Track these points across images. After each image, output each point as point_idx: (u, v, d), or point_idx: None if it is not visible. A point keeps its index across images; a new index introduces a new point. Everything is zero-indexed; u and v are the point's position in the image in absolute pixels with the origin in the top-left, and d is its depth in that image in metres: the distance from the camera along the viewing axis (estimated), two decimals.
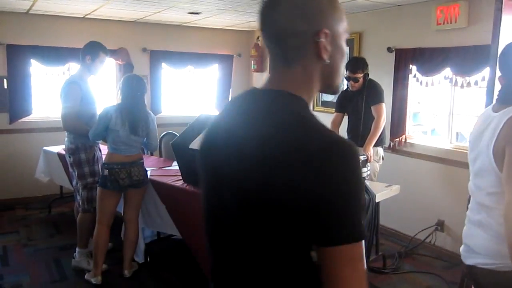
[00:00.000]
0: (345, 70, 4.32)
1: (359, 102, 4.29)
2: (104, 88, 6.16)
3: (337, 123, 4.54)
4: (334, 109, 4.71)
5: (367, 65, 4.27)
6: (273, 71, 1.10)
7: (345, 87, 4.49)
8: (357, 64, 4.25)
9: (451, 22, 4.22)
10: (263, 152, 0.94)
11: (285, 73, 1.06)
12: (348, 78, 4.29)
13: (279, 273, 0.99)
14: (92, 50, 3.88)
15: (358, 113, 4.31)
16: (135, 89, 3.62)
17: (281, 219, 0.93)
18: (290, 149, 0.91)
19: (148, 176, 3.84)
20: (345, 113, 4.56)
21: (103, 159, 3.89)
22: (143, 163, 3.76)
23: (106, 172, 3.62)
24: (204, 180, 1.17)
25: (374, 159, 4.19)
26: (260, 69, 7.21)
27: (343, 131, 4.61)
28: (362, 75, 4.20)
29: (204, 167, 1.17)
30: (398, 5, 4.78)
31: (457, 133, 4.59)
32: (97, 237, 3.69)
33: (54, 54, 5.85)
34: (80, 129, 3.79)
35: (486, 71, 3.82)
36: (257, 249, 1.01)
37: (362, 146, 4.22)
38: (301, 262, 0.97)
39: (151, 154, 4.92)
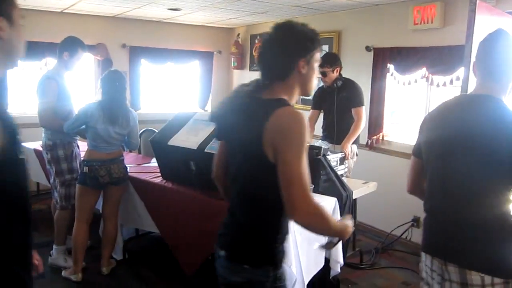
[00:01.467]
0: None
1: (333, 100, 4.34)
2: (82, 84, 6.10)
3: (313, 119, 4.59)
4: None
5: (337, 61, 4.31)
6: (482, 81, 1.81)
7: (321, 84, 4.56)
8: (325, 59, 4.28)
9: (427, 22, 4.30)
10: (491, 130, 1.66)
11: (494, 83, 1.78)
12: None
13: (491, 202, 1.69)
14: (70, 47, 3.81)
15: (333, 110, 4.36)
16: (115, 84, 3.59)
17: (498, 167, 1.65)
18: (508, 127, 1.65)
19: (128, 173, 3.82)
20: (321, 110, 4.61)
21: (82, 156, 3.86)
22: (123, 160, 3.73)
23: (85, 169, 3.58)
24: (432, 147, 1.88)
25: (349, 156, 4.25)
26: (240, 66, 7.23)
27: (318, 128, 4.66)
28: (330, 69, 4.24)
29: (435, 140, 1.87)
30: (377, 5, 4.85)
31: None
32: (76, 234, 3.66)
33: (31, 49, 5.74)
34: (57, 125, 3.74)
35: (460, 71, 3.91)
36: (477, 187, 1.71)
37: (337, 143, 4.28)
38: (504, 196, 1.68)
39: (130, 151, 4.90)
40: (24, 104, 5.91)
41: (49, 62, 5.80)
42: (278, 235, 1.71)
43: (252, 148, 1.59)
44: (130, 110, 3.73)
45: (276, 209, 1.59)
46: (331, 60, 4.28)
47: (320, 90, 4.60)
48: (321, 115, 4.64)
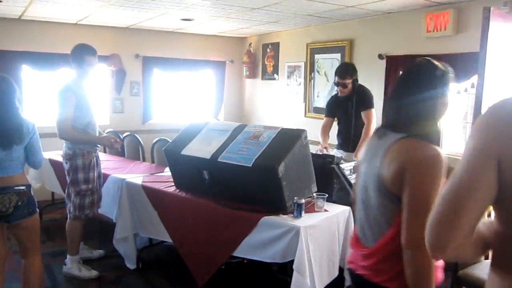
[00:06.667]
0: (334, 76, 4.36)
1: (349, 107, 4.33)
2: (97, 95, 6.15)
3: (327, 127, 4.58)
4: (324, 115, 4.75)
5: (356, 71, 4.31)
6: None
7: (335, 92, 4.55)
8: (345, 70, 4.27)
9: (440, 30, 4.27)
10: None
11: None
12: (337, 84, 4.33)
13: None
14: (76, 56, 3.78)
15: (348, 118, 4.34)
16: (7, 91, 2.90)
17: None
18: None
19: (36, 207, 3.02)
20: (335, 118, 4.60)
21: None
22: (22, 191, 2.91)
23: None
24: None
25: None
26: (252, 75, 7.26)
27: (333, 136, 4.64)
28: (350, 81, 4.23)
29: None
30: (389, 13, 4.83)
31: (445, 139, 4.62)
32: None
33: (46, 59, 5.85)
34: (74, 136, 3.76)
35: (475, 78, 3.87)
36: None
37: (352, 151, 4.26)
38: None
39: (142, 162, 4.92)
40: (39, 114, 5.97)
41: (64, 72, 5.87)
42: None
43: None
44: (24, 120, 2.97)
45: None
46: (352, 72, 4.27)
47: (333, 98, 4.60)
48: (335, 123, 4.64)
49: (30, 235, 3.05)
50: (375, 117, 4.26)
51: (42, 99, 5.84)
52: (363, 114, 4.23)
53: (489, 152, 1.04)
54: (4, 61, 5.64)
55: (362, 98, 4.26)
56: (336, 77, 4.29)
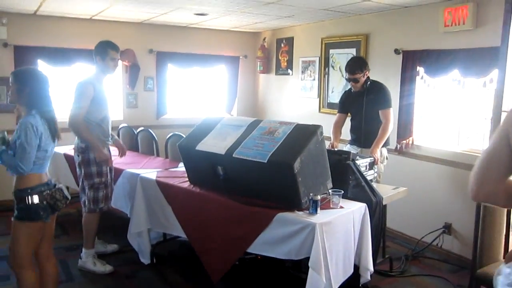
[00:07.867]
0: (345, 72, 4.31)
1: (361, 103, 4.28)
2: (112, 90, 6.17)
3: (339, 123, 4.53)
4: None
5: (366, 65, 4.25)
6: None
7: (348, 87, 4.51)
8: (354, 65, 4.22)
9: (459, 24, 4.19)
10: None
11: None
12: (348, 80, 4.28)
13: None
14: (100, 50, 3.88)
15: (361, 113, 4.29)
16: (46, 85, 3.00)
17: None
18: None
19: None
20: (348, 114, 4.55)
21: (42, 179, 2.95)
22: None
23: (35, 199, 2.73)
24: None
25: (379, 161, 4.16)
26: (266, 71, 7.21)
27: (346, 131, 4.59)
28: (361, 75, 4.18)
29: None
30: (406, 7, 4.76)
31: (466, 136, 4.54)
32: (30, 285, 2.83)
33: (61, 54, 5.88)
34: (81, 131, 3.78)
35: (494, 73, 3.80)
36: None
37: (364, 147, 4.22)
38: None
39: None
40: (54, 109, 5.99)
41: (79, 67, 5.90)
42: None
43: None
44: None
45: None
46: (362, 66, 4.22)
47: (346, 93, 4.55)
48: (348, 119, 4.59)
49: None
50: (392, 116, 4.21)
51: (56, 95, 5.84)
52: (380, 113, 4.17)
53: (505, 130, 1.44)
54: (20, 56, 5.67)
55: (381, 97, 4.19)
56: (347, 73, 4.24)
